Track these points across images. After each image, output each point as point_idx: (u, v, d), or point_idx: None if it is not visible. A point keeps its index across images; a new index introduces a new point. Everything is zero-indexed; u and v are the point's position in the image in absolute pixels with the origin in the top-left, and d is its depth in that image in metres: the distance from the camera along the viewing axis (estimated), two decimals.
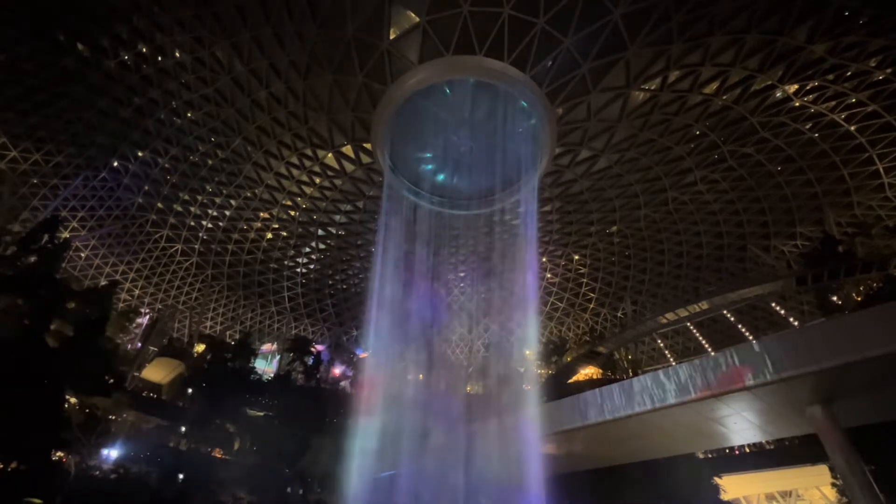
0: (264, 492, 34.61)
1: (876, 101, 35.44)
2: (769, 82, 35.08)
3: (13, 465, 24.85)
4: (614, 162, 43.77)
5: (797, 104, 37.03)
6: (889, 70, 32.88)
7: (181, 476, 35.30)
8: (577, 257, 63.27)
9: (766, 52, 32.40)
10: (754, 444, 37.87)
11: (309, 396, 45.44)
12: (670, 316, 52.63)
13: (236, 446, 43.68)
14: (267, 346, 73.22)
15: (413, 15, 30.31)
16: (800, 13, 29.52)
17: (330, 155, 44.45)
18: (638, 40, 30.75)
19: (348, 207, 52.47)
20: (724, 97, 36.50)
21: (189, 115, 42.44)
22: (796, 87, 35.63)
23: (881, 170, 40.74)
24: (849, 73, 33.80)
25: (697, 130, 40.35)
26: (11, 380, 24.22)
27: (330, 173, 47.09)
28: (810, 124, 38.61)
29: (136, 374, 54.48)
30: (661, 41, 31.10)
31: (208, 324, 67.11)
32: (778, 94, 36.43)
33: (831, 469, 27.36)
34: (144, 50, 37.15)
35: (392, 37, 31.62)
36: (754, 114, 37.98)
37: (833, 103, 36.50)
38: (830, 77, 34.23)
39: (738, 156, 42.83)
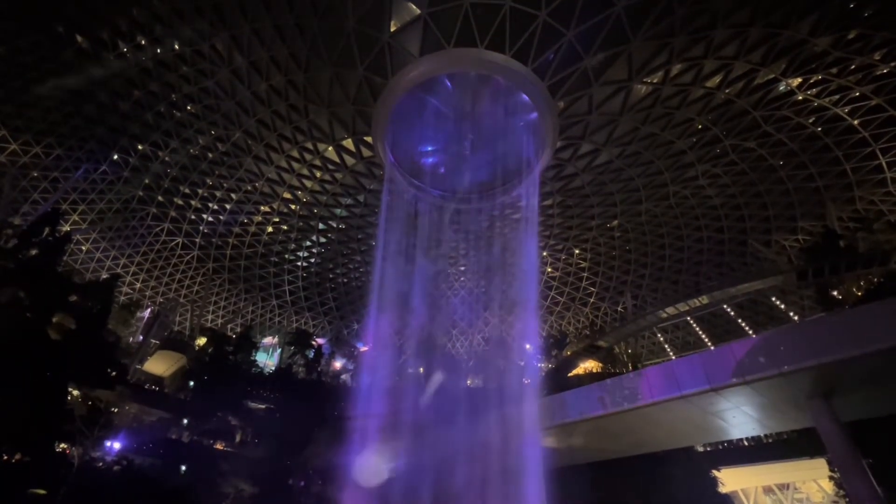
0: (266, 483, 34.84)
1: (880, 95, 35.23)
2: (772, 76, 34.85)
3: (17, 456, 25.05)
4: (616, 156, 43.60)
5: (800, 98, 36.83)
6: (893, 63, 32.62)
7: (183, 468, 35.58)
8: (577, 251, 63.24)
9: (769, 45, 32.15)
10: (753, 438, 38.04)
11: (310, 389, 45.62)
12: (671, 310, 52.65)
13: (238, 438, 43.96)
14: (268, 340, 73.50)
15: (414, 7, 30.09)
16: (804, 6, 29.27)
17: (330, 148, 44.33)
18: (640, 33, 30.51)
19: (349, 201, 52.46)
20: (727, 91, 36.27)
21: (189, 108, 42.32)
22: (799, 80, 35.41)
23: (884, 164, 40.59)
24: (853, 67, 33.57)
25: (700, 124, 40.15)
26: (14, 373, 24.34)
27: (330, 167, 47.01)
28: (813, 118, 38.43)
29: (138, 366, 54.69)
30: (663, 34, 30.86)
31: (209, 317, 67.32)
32: (781, 88, 36.23)
33: (829, 462, 27.51)
34: (144, 42, 36.95)
35: (393, 29, 31.41)
36: (757, 108, 37.78)
37: (836, 97, 36.30)
38: (834, 71, 34.00)
39: (741, 150, 42.67)
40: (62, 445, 30.41)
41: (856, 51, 32.15)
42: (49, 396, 26.03)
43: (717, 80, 35.39)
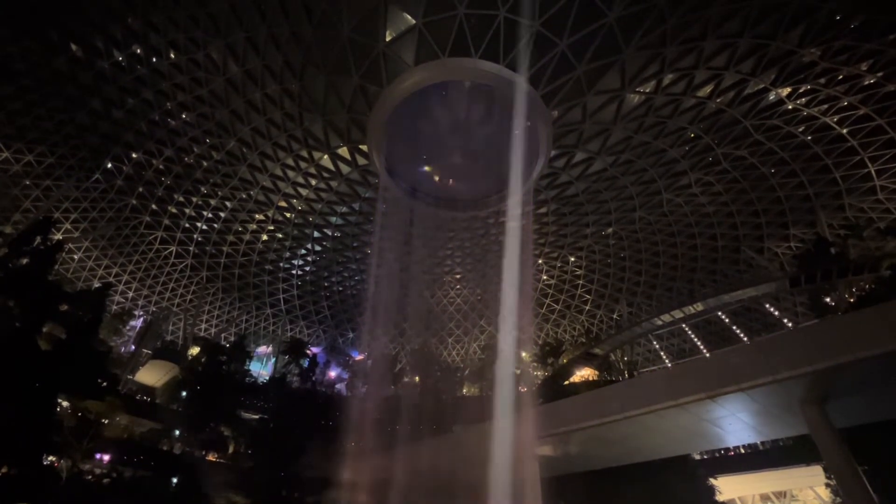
0: (259, 495, 34.34)
1: (867, 105, 35.83)
2: (762, 86, 35.40)
3: (4, 469, 24.54)
4: (610, 164, 43.97)
5: (790, 107, 37.39)
6: (880, 73, 33.24)
7: (175, 480, 35.00)
8: (572, 259, 63.45)
9: (759, 55, 32.71)
10: (749, 445, 38.02)
11: (304, 399, 45.17)
12: (665, 317, 52.85)
13: (231, 449, 43.36)
14: (262, 349, 72.87)
15: (409, 17, 30.35)
16: (792, 17, 29.85)
17: (325, 156, 44.38)
18: (633, 43, 30.94)
19: (344, 209, 52.39)
20: (718, 100, 36.77)
21: (183, 116, 42.26)
22: (789, 90, 35.98)
23: (873, 172, 41.17)
24: (840, 77, 34.17)
25: (692, 133, 40.63)
26: (2, 383, 23.93)
27: (325, 175, 47.01)
28: (803, 127, 38.99)
29: (129, 376, 53.99)
30: (655, 44, 31.32)
31: (203, 326, 66.69)
32: (771, 98, 36.78)
33: (825, 469, 27.48)
34: (138, 51, 36.98)
35: (388, 38, 31.64)
36: (748, 117, 38.31)
37: (825, 106, 36.88)
38: (822, 81, 34.59)
39: (732, 158, 43.17)
40: (50, 458, 29.83)
41: (843, 61, 32.75)
42: (37, 407, 25.55)
43: (708, 89, 35.89)
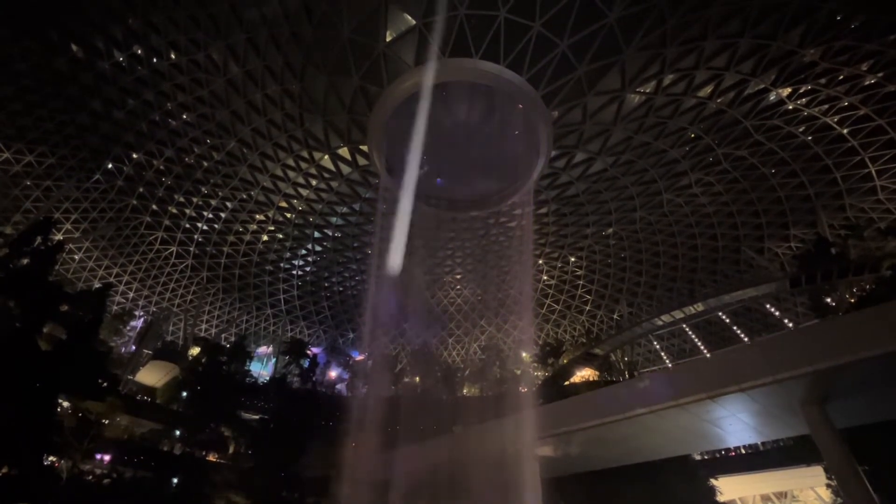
0: (259, 495, 34.33)
1: (867, 105, 35.80)
2: (763, 86, 35.39)
3: (4, 469, 24.55)
4: (610, 164, 43.95)
5: (790, 108, 37.37)
6: (880, 74, 33.21)
7: (175, 480, 35.02)
8: (573, 259, 63.41)
9: (759, 55, 32.70)
10: (750, 446, 37.98)
11: (304, 399, 45.19)
12: (666, 318, 52.82)
13: (231, 450, 43.36)
14: (263, 349, 72.88)
15: (409, 17, 30.36)
16: (792, 17, 29.84)
17: (326, 157, 44.39)
18: (633, 44, 30.93)
19: (344, 209, 52.40)
20: (719, 100, 36.75)
21: (184, 116, 42.28)
22: (789, 90, 35.96)
23: (873, 172, 41.14)
24: (841, 77, 34.15)
25: (692, 133, 40.62)
26: (2, 383, 23.94)
27: (326, 175, 47.03)
28: (803, 127, 38.97)
29: (129, 377, 54.00)
30: (655, 45, 31.31)
31: (203, 326, 66.68)
32: (771, 98, 36.77)
33: (826, 470, 27.46)
34: (139, 52, 37.01)
35: (388, 39, 31.66)
36: (748, 117, 38.29)
37: (825, 107, 36.86)
38: (823, 81, 34.57)
39: (733, 159, 43.14)
40: (51, 458, 29.86)
41: (843, 62, 32.74)
42: (38, 407, 25.55)
43: (708, 90, 35.86)
